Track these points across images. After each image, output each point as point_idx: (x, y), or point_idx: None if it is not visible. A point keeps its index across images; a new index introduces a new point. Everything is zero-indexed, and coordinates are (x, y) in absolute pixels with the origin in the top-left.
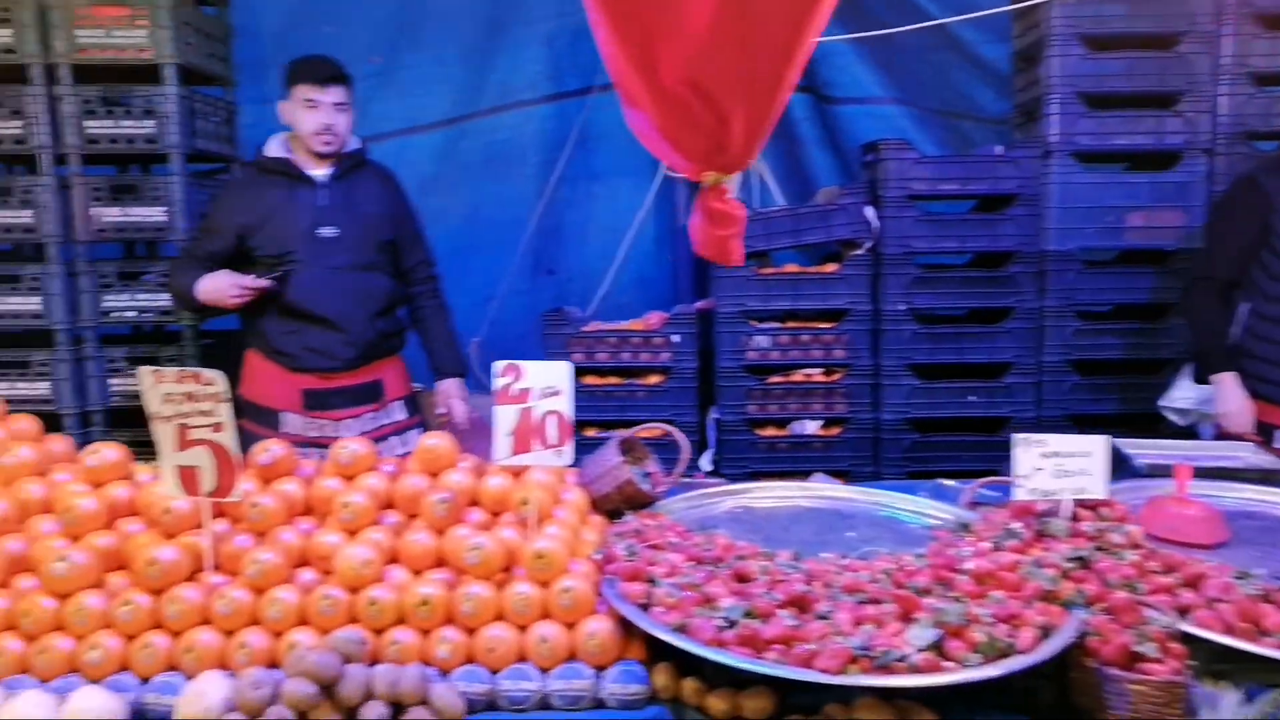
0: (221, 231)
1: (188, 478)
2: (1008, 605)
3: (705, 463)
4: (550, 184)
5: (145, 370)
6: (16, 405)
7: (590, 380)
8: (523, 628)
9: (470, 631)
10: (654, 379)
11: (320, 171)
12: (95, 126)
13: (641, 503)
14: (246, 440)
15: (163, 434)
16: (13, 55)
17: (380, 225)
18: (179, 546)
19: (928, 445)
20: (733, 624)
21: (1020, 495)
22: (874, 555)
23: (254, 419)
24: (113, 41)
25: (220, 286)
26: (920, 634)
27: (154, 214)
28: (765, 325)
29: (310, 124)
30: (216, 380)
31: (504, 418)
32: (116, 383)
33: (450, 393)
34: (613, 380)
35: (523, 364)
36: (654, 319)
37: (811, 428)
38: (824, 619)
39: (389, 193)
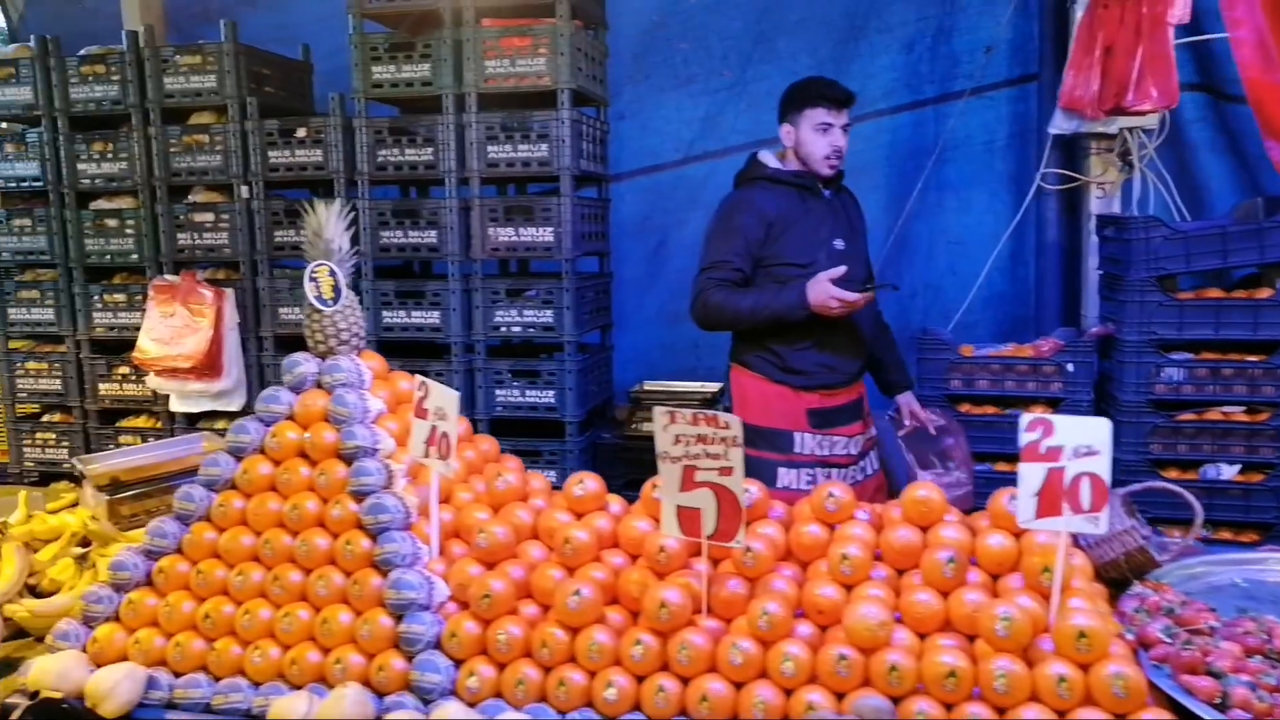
0: (749, 247)
1: (687, 518)
2: None
3: None
4: (913, 195)
5: (660, 410)
6: None
7: (965, 409)
8: (1060, 713)
9: (999, 710)
10: (1039, 410)
11: (822, 185)
12: (495, 151)
13: (1145, 570)
14: (754, 467)
15: (668, 474)
16: (429, 88)
17: (863, 240)
18: (681, 589)
19: None
20: None
21: None
22: None
23: (761, 444)
24: (516, 70)
25: (827, 297)
26: None
27: (544, 234)
28: (1176, 355)
29: (823, 148)
30: (733, 424)
31: (1029, 476)
32: (500, 393)
33: (911, 403)
34: (990, 410)
35: (1055, 419)
36: (1046, 345)
37: (1228, 473)
38: None
39: (860, 209)
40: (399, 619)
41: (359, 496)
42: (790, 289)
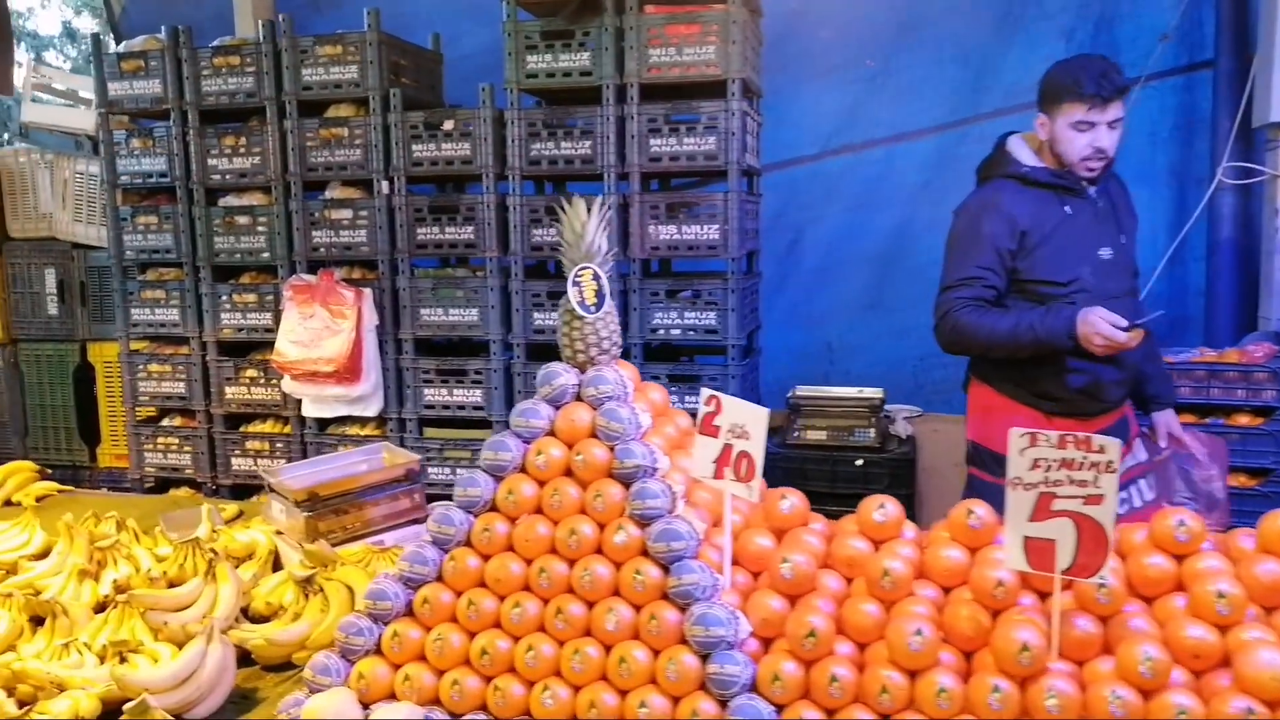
0: (1001, 259)
1: (1036, 550)
2: None
3: None
4: None
5: (1018, 432)
6: None
7: None
8: None
9: None
10: (1244, 419)
11: (1087, 183)
12: (657, 144)
13: None
14: (985, 492)
15: (1018, 501)
16: (588, 78)
17: (1134, 244)
18: (1036, 628)
19: None
20: None
21: None
22: None
23: (997, 469)
24: (682, 59)
25: (1093, 333)
26: None
27: (709, 232)
28: None
29: (1081, 149)
30: (1109, 448)
31: None
32: None
33: (1170, 423)
34: (1189, 418)
35: None
36: (1258, 351)
37: None
38: None
39: (1132, 206)
40: (704, 658)
41: (643, 521)
42: (1057, 314)
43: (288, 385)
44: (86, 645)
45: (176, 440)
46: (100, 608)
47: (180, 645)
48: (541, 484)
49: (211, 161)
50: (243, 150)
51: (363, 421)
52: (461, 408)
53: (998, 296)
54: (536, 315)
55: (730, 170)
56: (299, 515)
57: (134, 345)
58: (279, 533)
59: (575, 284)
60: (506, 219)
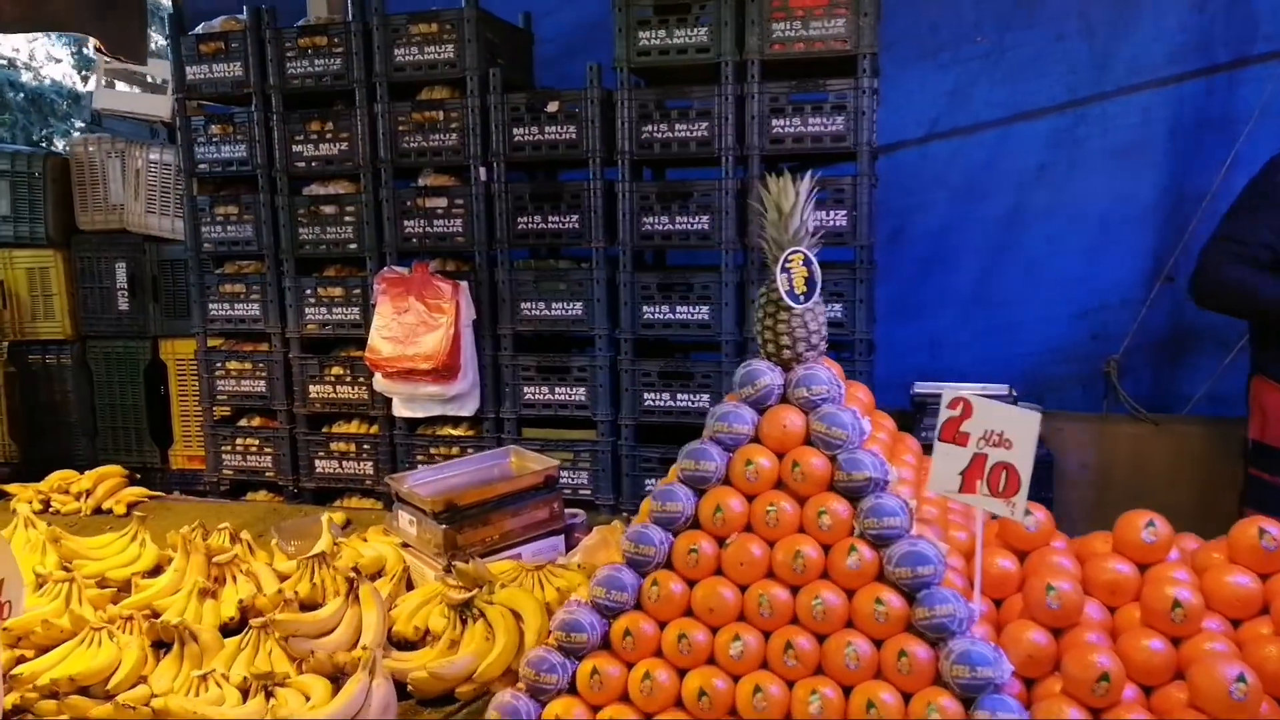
0: None
1: None
2: None
3: None
4: (1217, 178)
5: None
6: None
7: None
8: None
9: None
10: None
11: None
12: (779, 126)
13: None
14: (1263, 493)
15: None
16: (705, 55)
17: None
18: None
19: None
20: None
21: None
22: None
23: (1276, 469)
24: (808, 34)
25: None
26: None
27: (836, 218)
28: None
29: None
30: None
31: None
32: None
33: None
34: None
35: None
36: None
37: None
38: None
39: None
40: (967, 704)
41: (878, 542)
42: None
43: (379, 384)
44: (225, 677)
45: (256, 441)
46: (224, 630)
47: (328, 677)
48: (750, 498)
49: (295, 148)
50: (329, 136)
51: (456, 421)
52: (564, 406)
53: (1276, 261)
54: (646, 309)
55: (860, 152)
56: (435, 528)
57: (211, 342)
58: (404, 545)
59: (785, 270)
60: (614, 207)
